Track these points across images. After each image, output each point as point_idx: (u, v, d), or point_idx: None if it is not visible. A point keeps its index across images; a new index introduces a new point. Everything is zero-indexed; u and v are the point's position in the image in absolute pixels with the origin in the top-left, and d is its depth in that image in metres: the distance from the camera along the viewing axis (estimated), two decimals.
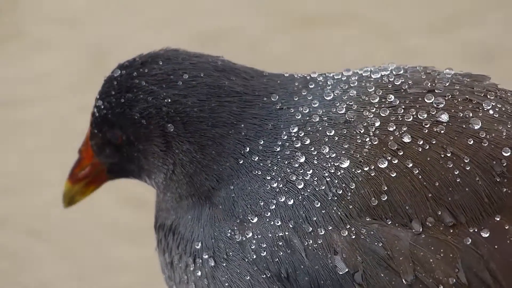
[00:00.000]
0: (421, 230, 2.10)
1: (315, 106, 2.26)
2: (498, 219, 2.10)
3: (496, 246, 2.08)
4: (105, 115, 2.35)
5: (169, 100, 2.31)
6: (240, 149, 2.29)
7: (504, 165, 2.12)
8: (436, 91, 2.21)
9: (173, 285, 2.44)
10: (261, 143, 2.27)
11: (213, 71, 2.34)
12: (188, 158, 2.33)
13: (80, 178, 2.45)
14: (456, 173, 2.11)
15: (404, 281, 2.08)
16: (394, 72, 2.29)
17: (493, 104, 2.20)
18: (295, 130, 2.24)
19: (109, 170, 2.45)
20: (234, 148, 2.29)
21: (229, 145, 2.30)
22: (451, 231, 2.09)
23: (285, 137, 2.24)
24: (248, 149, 2.28)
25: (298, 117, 2.26)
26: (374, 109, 2.20)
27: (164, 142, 2.33)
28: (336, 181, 2.14)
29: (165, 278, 2.50)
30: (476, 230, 2.09)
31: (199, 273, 2.29)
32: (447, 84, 2.23)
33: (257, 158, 2.26)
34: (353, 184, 2.13)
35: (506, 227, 2.09)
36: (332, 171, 2.15)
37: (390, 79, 2.26)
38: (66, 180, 2.47)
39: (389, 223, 2.11)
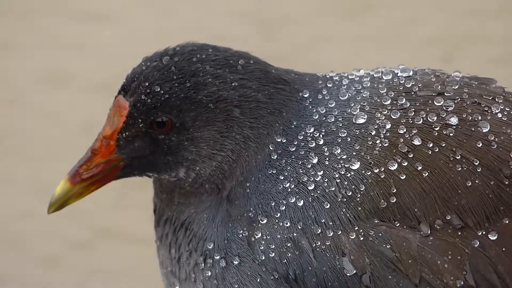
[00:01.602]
0: (429, 232, 2.11)
1: (331, 106, 2.27)
2: (506, 221, 2.11)
3: (504, 249, 2.09)
4: (165, 101, 2.30)
5: (236, 84, 2.30)
6: (269, 144, 2.30)
7: None
8: (445, 94, 2.23)
9: (176, 281, 2.43)
10: (284, 141, 2.28)
11: (258, 59, 2.36)
12: (245, 146, 2.32)
13: (86, 177, 2.34)
14: (465, 176, 2.12)
15: (411, 283, 2.09)
16: (404, 74, 2.30)
17: (502, 107, 2.21)
18: (311, 130, 2.25)
19: (127, 166, 2.37)
20: (269, 141, 2.30)
21: (269, 137, 2.31)
22: (459, 233, 2.10)
23: (301, 137, 2.26)
24: (273, 146, 2.29)
25: (315, 117, 2.27)
26: (386, 111, 2.21)
27: (226, 127, 2.31)
28: (346, 182, 2.15)
29: (165, 273, 2.48)
30: (484, 232, 2.10)
31: (209, 273, 2.29)
32: (456, 87, 2.25)
33: (275, 156, 2.27)
34: (363, 186, 2.14)
35: None
36: (343, 172, 2.16)
37: (401, 81, 2.27)
38: (63, 180, 2.35)
39: (397, 225, 2.12)
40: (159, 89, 2.29)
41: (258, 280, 2.21)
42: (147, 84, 2.30)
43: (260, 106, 2.31)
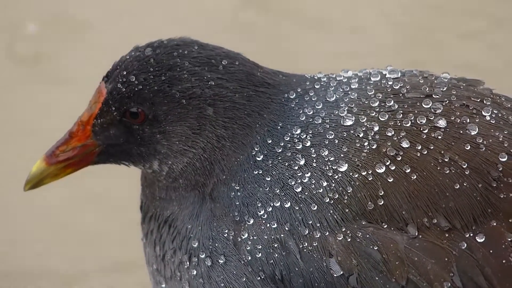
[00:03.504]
0: (416, 234, 2.11)
1: (319, 107, 2.28)
2: (494, 224, 2.11)
3: (491, 251, 2.10)
4: (138, 91, 2.32)
5: (213, 83, 2.32)
6: (253, 145, 2.31)
7: (500, 170, 2.14)
8: (434, 96, 2.23)
9: (162, 280, 2.44)
10: (269, 142, 2.29)
11: (245, 61, 2.37)
12: (219, 144, 2.33)
13: (62, 159, 2.38)
14: (453, 178, 2.12)
15: (398, 285, 2.09)
16: (392, 76, 2.31)
17: (490, 110, 2.22)
18: (298, 132, 2.26)
19: (102, 152, 2.40)
20: (251, 142, 2.31)
21: (250, 138, 2.32)
22: (447, 235, 2.11)
23: (288, 138, 2.26)
24: (258, 147, 2.30)
25: (302, 119, 2.27)
26: (374, 113, 2.21)
27: (198, 125, 2.33)
28: (334, 184, 2.15)
29: (151, 271, 2.49)
30: (471, 234, 2.11)
31: (194, 272, 2.30)
32: (445, 89, 2.25)
33: (261, 157, 2.27)
34: (350, 188, 2.14)
35: (502, 232, 2.11)
36: (330, 174, 2.16)
37: (389, 83, 2.28)
38: (40, 160, 2.38)
39: (385, 226, 2.12)
40: (134, 79, 2.32)
41: (244, 279, 2.21)
42: (125, 73, 2.33)
43: (236, 107, 2.32)
